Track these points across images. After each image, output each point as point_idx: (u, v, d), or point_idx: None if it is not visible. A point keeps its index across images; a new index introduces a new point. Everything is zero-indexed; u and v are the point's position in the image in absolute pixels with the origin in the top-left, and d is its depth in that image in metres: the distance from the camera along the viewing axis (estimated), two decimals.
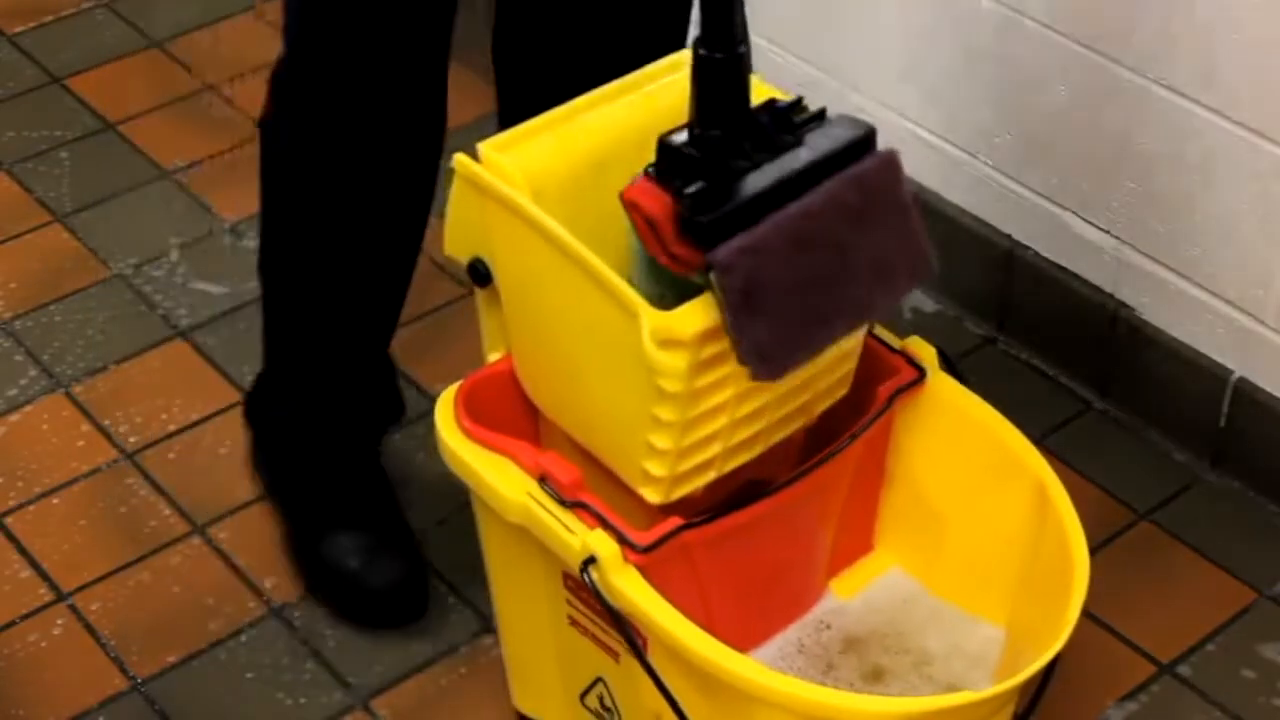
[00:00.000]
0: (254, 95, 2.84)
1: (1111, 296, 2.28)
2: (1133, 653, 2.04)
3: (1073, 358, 2.34)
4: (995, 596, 1.75)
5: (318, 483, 2.10)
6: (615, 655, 1.65)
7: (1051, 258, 2.33)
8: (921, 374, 1.74)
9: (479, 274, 1.66)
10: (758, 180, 1.49)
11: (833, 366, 1.66)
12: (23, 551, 2.16)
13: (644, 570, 1.57)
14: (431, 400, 1.75)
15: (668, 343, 1.48)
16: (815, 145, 1.52)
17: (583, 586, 1.58)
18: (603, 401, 1.61)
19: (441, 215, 1.71)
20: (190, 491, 2.23)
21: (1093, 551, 1.67)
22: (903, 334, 1.79)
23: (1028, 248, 2.35)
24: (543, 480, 1.62)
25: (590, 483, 1.63)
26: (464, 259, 1.67)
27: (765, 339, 1.48)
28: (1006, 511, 1.71)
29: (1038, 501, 1.68)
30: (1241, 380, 2.18)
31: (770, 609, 1.80)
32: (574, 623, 1.69)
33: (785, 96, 1.57)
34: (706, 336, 1.49)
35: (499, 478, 1.65)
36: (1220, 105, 2.06)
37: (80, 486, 2.24)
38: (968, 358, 2.35)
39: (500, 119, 2.02)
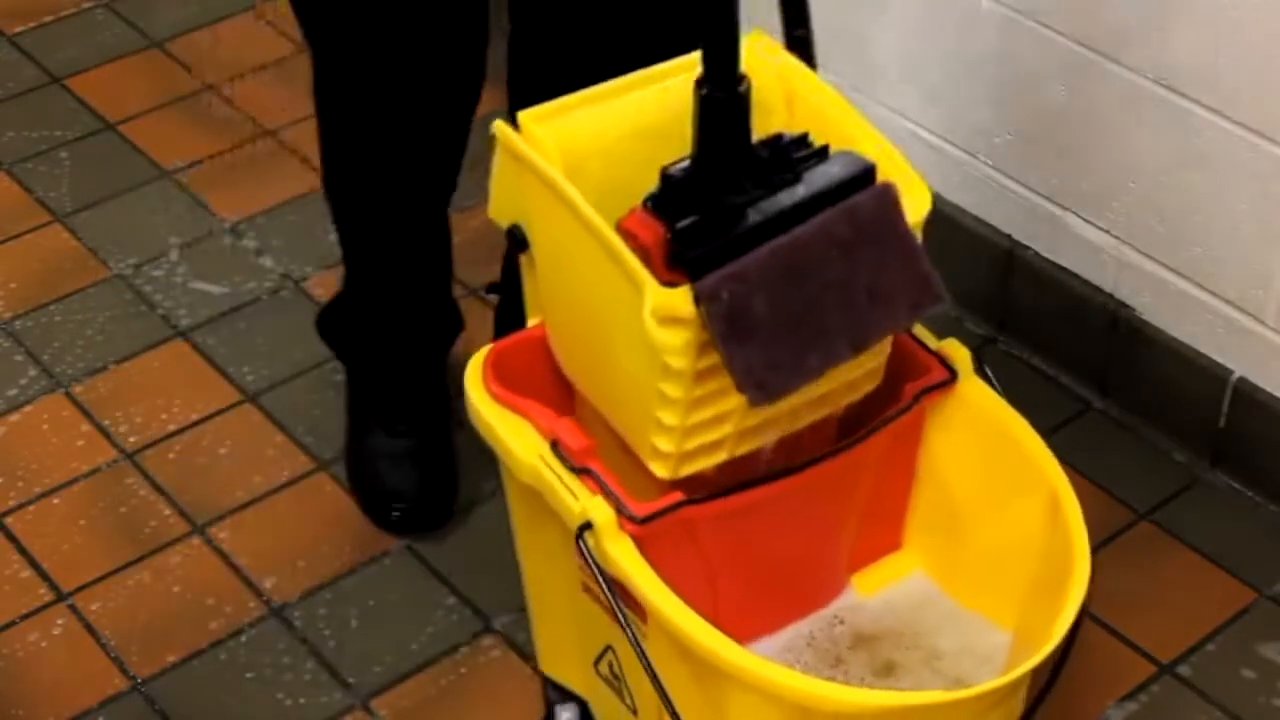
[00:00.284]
0: (254, 95, 2.85)
1: (1111, 296, 2.28)
2: (1133, 653, 2.04)
3: (1073, 358, 2.34)
4: (1008, 603, 1.76)
5: (372, 381, 2.21)
6: (625, 628, 1.66)
7: (1051, 258, 2.33)
8: (952, 376, 1.74)
9: (517, 240, 1.69)
10: (749, 215, 1.52)
11: (858, 362, 1.66)
12: (23, 551, 2.17)
13: (641, 542, 1.59)
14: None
15: (668, 320, 1.50)
16: (811, 181, 1.55)
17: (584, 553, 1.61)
18: (619, 374, 1.63)
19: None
20: (190, 491, 2.23)
21: (1093, 551, 1.67)
22: None
23: (1028, 248, 2.35)
24: (554, 444, 1.65)
25: (613, 456, 1.65)
26: (505, 224, 1.70)
27: (756, 365, 1.50)
28: (1024, 519, 1.71)
29: (1051, 510, 1.68)
30: (1241, 380, 2.18)
31: (783, 599, 1.80)
32: (586, 589, 1.71)
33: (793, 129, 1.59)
34: None
35: (515, 438, 1.68)
36: (1220, 105, 2.06)
37: (80, 486, 2.24)
38: None
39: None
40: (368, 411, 2.21)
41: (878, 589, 1.83)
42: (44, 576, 2.14)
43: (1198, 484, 2.23)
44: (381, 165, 2.04)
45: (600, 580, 1.59)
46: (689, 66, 1.65)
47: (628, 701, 1.74)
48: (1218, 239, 2.13)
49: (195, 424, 2.32)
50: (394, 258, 2.15)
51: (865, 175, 1.57)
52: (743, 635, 1.67)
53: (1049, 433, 2.24)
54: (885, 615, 1.81)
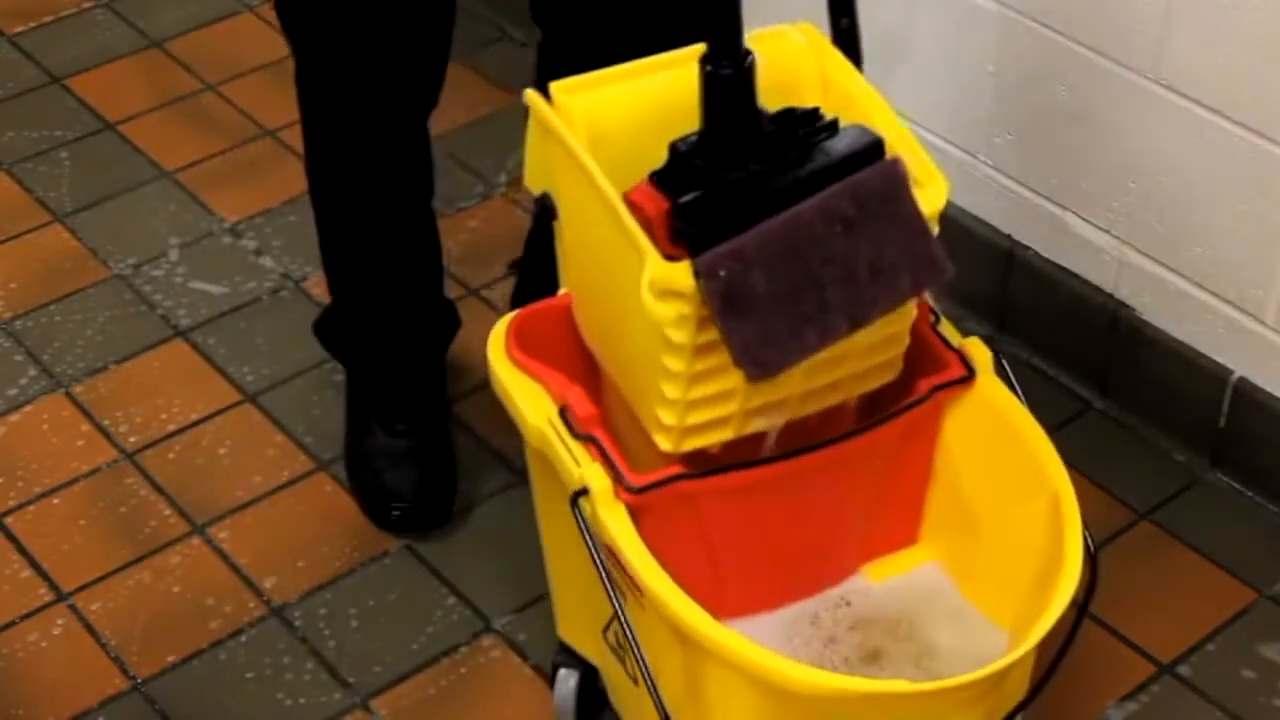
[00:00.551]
0: (254, 95, 2.85)
1: (1111, 296, 2.28)
2: (1133, 653, 2.04)
3: (1073, 358, 2.34)
4: (1012, 604, 1.76)
5: (370, 382, 2.22)
6: (624, 594, 1.67)
7: (1051, 258, 2.33)
8: (969, 374, 1.75)
9: (546, 209, 1.71)
10: (752, 191, 1.52)
11: (870, 351, 1.67)
12: (23, 551, 2.17)
13: (639, 512, 1.62)
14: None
15: (666, 293, 1.51)
16: (817, 157, 1.55)
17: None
18: (629, 344, 1.65)
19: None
20: (190, 491, 2.23)
21: (1094, 551, 1.67)
22: None
23: (1028, 248, 2.35)
24: (563, 410, 1.68)
25: (631, 428, 1.67)
26: (536, 192, 1.72)
27: (753, 341, 1.51)
28: (1030, 521, 1.71)
29: (1053, 513, 1.68)
30: (1241, 380, 2.18)
31: (787, 577, 1.81)
32: (613, 556, 1.71)
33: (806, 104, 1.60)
34: None
35: (528, 402, 1.71)
36: (1220, 105, 2.06)
37: (80, 486, 2.24)
38: None
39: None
40: (367, 411, 2.21)
41: (887, 577, 1.84)
42: (44, 576, 2.14)
43: (1198, 484, 2.23)
44: (358, 157, 2.07)
45: (590, 546, 1.62)
46: None
47: (629, 671, 1.76)
48: (1218, 239, 2.13)
49: (195, 424, 2.32)
50: (381, 256, 2.16)
51: (873, 149, 1.57)
52: (744, 608, 1.71)
53: (1049, 433, 2.24)
54: (889, 602, 1.82)
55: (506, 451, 2.26)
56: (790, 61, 1.66)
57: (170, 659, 2.05)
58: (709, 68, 1.53)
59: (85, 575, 2.14)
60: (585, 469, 1.62)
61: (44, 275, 2.54)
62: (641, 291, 1.51)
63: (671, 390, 1.58)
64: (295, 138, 2.74)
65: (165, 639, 2.07)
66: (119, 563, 2.15)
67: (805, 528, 1.77)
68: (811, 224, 1.52)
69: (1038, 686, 1.67)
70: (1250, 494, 2.21)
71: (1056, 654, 1.64)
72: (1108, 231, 2.25)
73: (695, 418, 1.61)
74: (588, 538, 1.62)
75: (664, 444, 1.63)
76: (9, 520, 2.20)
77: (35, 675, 2.03)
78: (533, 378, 1.72)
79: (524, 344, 1.75)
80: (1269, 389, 2.16)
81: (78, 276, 2.54)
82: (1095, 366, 2.32)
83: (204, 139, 2.77)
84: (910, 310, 1.67)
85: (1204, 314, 2.19)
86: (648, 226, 1.52)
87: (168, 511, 2.21)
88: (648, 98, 1.66)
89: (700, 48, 1.64)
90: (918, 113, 2.38)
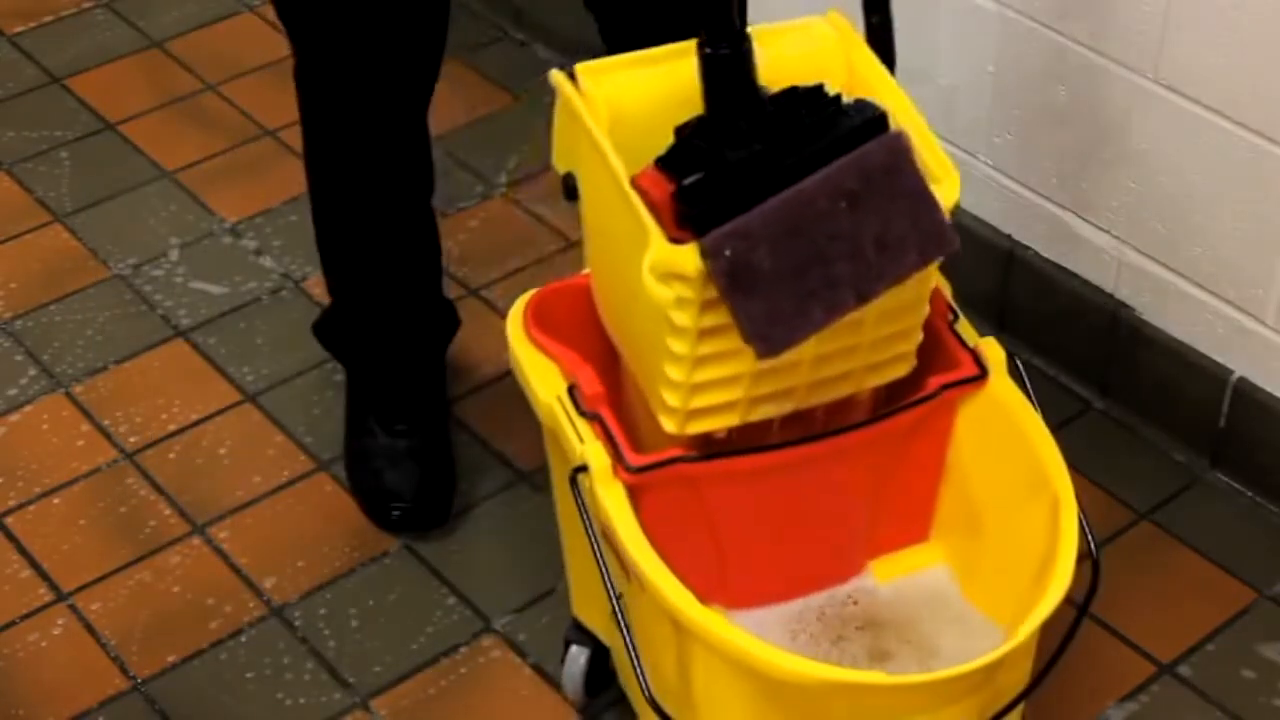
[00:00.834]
0: (254, 95, 2.85)
1: (1111, 296, 2.28)
2: (1133, 653, 2.04)
3: (1073, 358, 2.34)
4: (1013, 607, 1.76)
5: (370, 382, 2.23)
6: (628, 574, 1.67)
7: (1051, 258, 2.33)
8: (981, 374, 1.75)
9: (570, 188, 1.71)
10: (755, 171, 1.53)
11: (882, 343, 1.67)
12: (23, 551, 2.17)
13: (639, 492, 1.63)
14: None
15: (668, 275, 1.52)
16: (821, 133, 1.56)
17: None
18: (638, 325, 1.67)
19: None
20: (190, 491, 2.23)
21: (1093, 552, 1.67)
22: None
23: (1028, 248, 2.35)
24: (571, 388, 1.69)
25: (645, 409, 1.68)
26: (562, 171, 1.73)
27: (760, 318, 1.52)
28: (1033, 523, 1.71)
29: (1055, 516, 1.68)
30: (1241, 380, 2.18)
31: (794, 570, 1.81)
32: (605, 536, 1.72)
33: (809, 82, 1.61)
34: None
35: (539, 379, 1.73)
36: (1220, 105, 2.06)
37: (80, 486, 2.24)
38: None
39: None
40: (366, 411, 2.21)
41: (894, 576, 1.85)
42: (44, 576, 2.14)
43: (1198, 484, 2.23)
44: (357, 153, 2.07)
45: (586, 523, 1.64)
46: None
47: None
48: (1218, 239, 2.13)
49: (195, 424, 2.32)
50: (380, 254, 2.16)
51: (876, 123, 1.57)
52: (751, 599, 1.72)
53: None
54: (897, 603, 1.83)
55: (506, 451, 2.26)
56: (818, 53, 1.67)
57: (170, 659, 2.04)
58: (707, 50, 1.54)
59: (85, 575, 2.14)
60: (587, 446, 1.64)
61: (44, 275, 2.54)
62: (643, 273, 1.52)
63: (675, 372, 1.60)
64: (295, 138, 2.74)
65: (165, 639, 2.06)
66: (119, 563, 2.15)
67: (811, 519, 1.78)
68: (816, 200, 1.52)
69: (1032, 684, 1.67)
70: (1250, 494, 2.21)
71: (1055, 652, 1.64)
72: (1108, 231, 2.25)
73: (700, 401, 1.62)
74: (584, 515, 1.64)
75: (668, 426, 1.65)
76: (9, 520, 2.20)
77: (35, 675, 2.03)
78: (547, 355, 1.74)
79: (545, 322, 1.76)
80: (1269, 389, 2.16)
81: (78, 276, 2.54)
82: (1095, 366, 2.32)
83: (204, 139, 2.77)
84: (923, 305, 1.67)
85: (1204, 314, 2.19)
86: (654, 210, 1.53)
87: (168, 511, 2.21)
88: (672, 82, 1.66)
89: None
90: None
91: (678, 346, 1.58)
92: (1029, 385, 1.74)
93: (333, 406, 2.31)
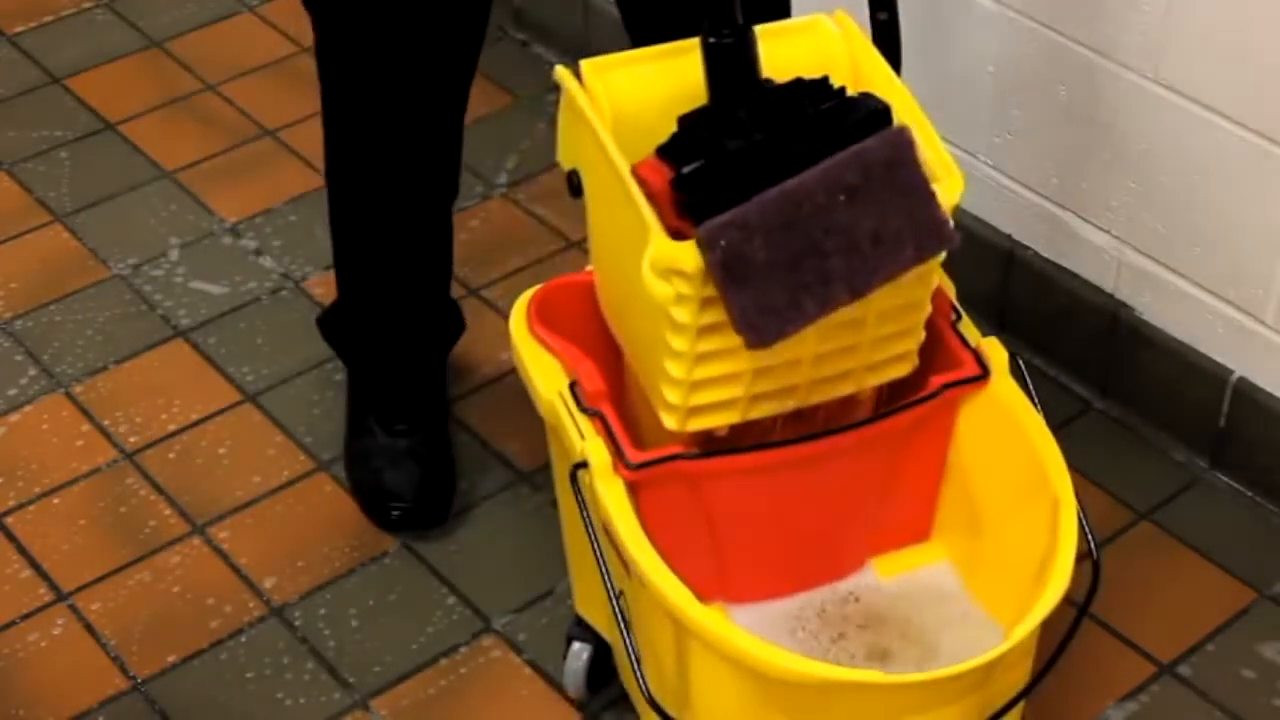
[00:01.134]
0: (254, 95, 2.85)
1: (1111, 296, 2.28)
2: (1133, 653, 2.04)
3: (1073, 358, 2.34)
4: (1014, 607, 1.76)
5: (372, 380, 2.22)
6: (627, 571, 1.68)
7: (1051, 258, 2.33)
8: (982, 374, 1.75)
9: (574, 185, 1.72)
10: (754, 160, 1.53)
11: (883, 342, 1.68)
12: (23, 551, 2.17)
13: (639, 489, 1.64)
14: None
15: (668, 271, 1.53)
16: (823, 125, 1.56)
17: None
18: (639, 321, 1.67)
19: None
20: (190, 491, 2.23)
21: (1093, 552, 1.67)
22: None
23: (1028, 248, 2.35)
24: (573, 385, 1.70)
25: (648, 406, 1.69)
26: (567, 168, 1.73)
27: (752, 309, 1.52)
28: (1034, 524, 1.71)
29: (1055, 518, 1.68)
30: (1241, 380, 2.18)
31: (794, 566, 1.82)
32: (607, 532, 1.72)
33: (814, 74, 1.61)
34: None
35: (541, 375, 1.73)
36: (1220, 105, 2.06)
37: (80, 486, 2.24)
38: None
39: None
40: (367, 410, 2.21)
41: (897, 573, 1.85)
42: (44, 576, 2.14)
43: (1198, 484, 2.23)
44: (382, 140, 2.03)
45: (585, 519, 1.64)
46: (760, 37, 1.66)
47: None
48: (1218, 239, 2.13)
49: (195, 424, 2.32)
50: (395, 251, 2.15)
51: (879, 116, 1.57)
52: (751, 596, 1.73)
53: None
54: (898, 601, 1.83)
55: (506, 451, 2.26)
56: (823, 50, 1.67)
57: (170, 659, 2.05)
58: (710, 39, 1.55)
59: (85, 575, 2.14)
60: (587, 442, 1.65)
61: (44, 275, 2.54)
62: (643, 269, 1.52)
63: (675, 369, 1.60)
64: (295, 138, 2.75)
65: (165, 639, 2.06)
66: (119, 563, 2.15)
67: (811, 516, 1.78)
68: (814, 193, 1.52)
69: (1031, 684, 1.67)
70: (1250, 494, 2.21)
71: (1055, 651, 1.64)
72: (1108, 231, 2.25)
73: (700, 398, 1.63)
74: (584, 510, 1.65)
75: (669, 422, 1.65)
76: (9, 520, 2.20)
77: (35, 675, 2.03)
78: (549, 351, 1.74)
79: (548, 318, 1.77)
80: (1269, 389, 2.16)
81: (78, 276, 2.54)
82: (1095, 366, 2.32)
83: (204, 139, 2.77)
84: (924, 304, 1.67)
85: (1204, 314, 2.19)
86: (653, 199, 1.54)
87: (168, 511, 2.21)
88: (677, 78, 1.67)
89: None
90: None
91: (678, 343, 1.58)
92: (1030, 385, 1.74)
93: (333, 406, 2.31)
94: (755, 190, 1.51)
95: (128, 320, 2.47)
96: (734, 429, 1.68)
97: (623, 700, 1.93)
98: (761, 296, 1.52)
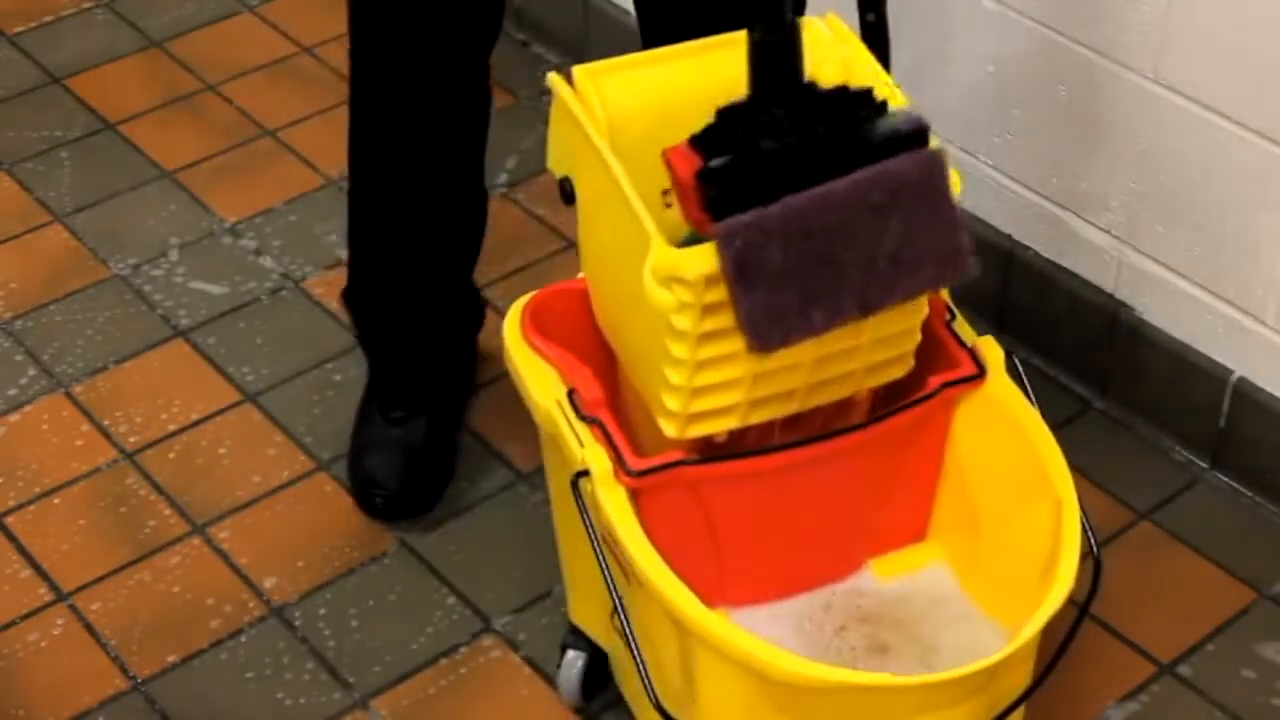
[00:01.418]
0: (254, 95, 2.85)
1: (1111, 296, 2.28)
2: (1133, 653, 2.04)
3: (1073, 358, 2.34)
4: (1015, 607, 1.76)
5: (383, 364, 2.21)
6: (628, 578, 1.68)
7: (1051, 258, 2.33)
8: (979, 373, 1.75)
9: (566, 192, 1.71)
10: (783, 162, 1.52)
11: (880, 345, 1.68)
12: (23, 551, 2.17)
13: (639, 495, 1.64)
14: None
15: (670, 279, 1.52)
16: (855, 136, 1.55)
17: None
18: (637, 329, 1.67)
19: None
20: (190, 491, 2.23)
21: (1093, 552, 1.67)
22: None
23: (1028, 248, 2.35)
24: (570, 393, 1.69)
25: (647, 413, 1.68)
26: (559, 175, 1.73)
27: (759, 313, 1.52)
28: (1035, 524, 1.71)
29: (1057, 518, 1.68)
30: (1241, 380, 2.18)
31: (792, 568, 1.82)
32: (606, 540, 1.72)
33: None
34: (714, 281, 1.52)
35: (537, 383, 1.73)
36: (1220, 105, 2.06)
37: (80, 486, 2.24)
38: None
39: None
40: (373, 397, 2.21)
41: (896, 574, 1.85)
42: (44, 576, 2.14)
43: (1198, 484, 2.23)
44: (413, 105, 2.01)
45: (588, 527, 1.63)
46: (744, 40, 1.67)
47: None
48: (1218, 239, 2.13)
49: (195, 424, 2.32)
50: (421, 226, 2.11)
51: (915, 136, 1.56)
52: (751, 598, 1.73)
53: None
54: (897, 602, 1.83)
55: (506, 451, 2.26)
56: (813, 53, 1.67)
57: (170, 659, 2.04)
58: (756, 36, 1.54)
59: (85, 575, 2.14)
60: (588, 450, 1.64)
61: (44, 275, 2.54)
62: (644, 277, 1.52)
63: (676, 376, 1.60)
64: (295, 138, 2.75)
65: (165, 639, 2.06)
66: (119, 563, 2.15)
67: (810, 519, 1.78)
68: (841, 205, 1.52)
69: (1034, 685, 1.67)
70: (1250, 494, 2.21)
71: (1056, 652, 1.64)
72: (1108, 231, 2.25)
73: (700, 405, 1.62)
74: (586, 519, 1.64)
75: (669, 430, 1.65)
76: (9, 520, 2.20)
77: (35, 675, 2.03)
78: (545, 359, 1.74)
79: (542, 326, 1.76)
80: (1269, 389, 2.16)
81: (78, 276, 2.53)
82: (1095, 366, 2.32)
83: (204, 139, 2.76)
84: (922, 307, 1.67)
85: (1204, 314, 2.19)
86: (678, 186, 1.53)
87: (168, 511, 2.21)
88: (670, 84, 1.67)
89: (724, 37, 1.67)
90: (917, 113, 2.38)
91: (678, 351, 1.57)
92: (1027, 383, 1.74)
93: (333, 406, 2.31)
94: (781, 192, 1.50)
95: (128, 320, 2.47)
96: (732, 434, 1.67)
97: (619, 703, 1.93)
98: (771, 301, 1.51)
